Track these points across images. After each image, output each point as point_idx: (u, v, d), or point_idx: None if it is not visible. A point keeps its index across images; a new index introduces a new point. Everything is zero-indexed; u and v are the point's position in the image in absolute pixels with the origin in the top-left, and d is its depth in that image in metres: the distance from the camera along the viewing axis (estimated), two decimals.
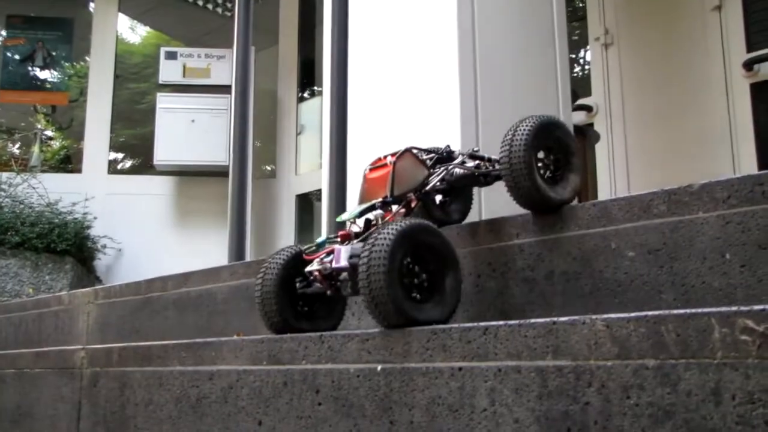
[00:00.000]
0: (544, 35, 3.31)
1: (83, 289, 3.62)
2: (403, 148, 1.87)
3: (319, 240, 1.83)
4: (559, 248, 1.87)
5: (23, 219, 5.96)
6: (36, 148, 7.81)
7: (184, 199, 7.16)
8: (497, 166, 1.92)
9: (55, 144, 8.77)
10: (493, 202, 2.82)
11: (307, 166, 7.27)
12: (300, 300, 1.87)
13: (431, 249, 1.60)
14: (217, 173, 6.87)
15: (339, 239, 1.76)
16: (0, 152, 7.94)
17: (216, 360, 1.95)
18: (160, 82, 7.28)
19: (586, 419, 1.24)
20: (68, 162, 8.29)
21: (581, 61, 5.93)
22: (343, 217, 1.83)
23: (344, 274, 1.67)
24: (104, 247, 6.67)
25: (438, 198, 2.08)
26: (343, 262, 1.65)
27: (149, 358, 2.18)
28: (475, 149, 2.04)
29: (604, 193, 4.61)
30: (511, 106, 2.96)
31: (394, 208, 1.80)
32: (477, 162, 1.98)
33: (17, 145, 8.45)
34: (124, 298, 3.26)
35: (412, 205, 1.83)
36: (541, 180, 1.83)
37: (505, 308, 1.94)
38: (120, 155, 8.45)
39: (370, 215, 1.78)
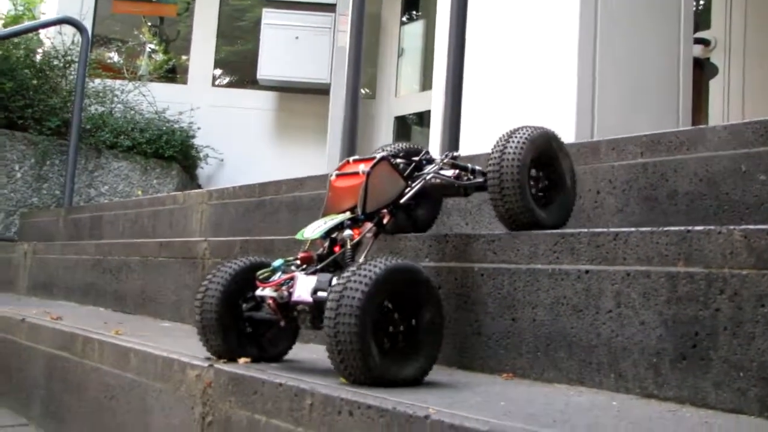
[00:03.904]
0: None
1: (198, 190, 3.80)
2: (378, 155, 1.66)
3: (276, 263, 1.55)
4: (685, 169, 1.87)
5: (134, 125, 6.22)
6: (144, 59, 8.08)
7: (285, 114, 7.32)
8: (479, 178, 1.76)
9: (160, 57, 9.02)
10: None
11: (405, 90, 7.29)
12: (246, 321, 1.61)
13: (411, 297, 1.41)
14: (317, 91, 6.98)
15: (299, 262, 1.53)
16: (111, 62, 8.23)
17: None
18: None
19: (715, 324, 1.28)
20: (173, 73, 8.54)
21: None
22: (306, 234, 1.55)
23: (303, 307, 1.46)
24: (206, 156, 6.92)
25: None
26: (305, 296, 1.45)
27: (272, 251, 2.31)
28: (455, 154, 1.84)
29: None
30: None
31: (365, 225, 1.58)
32: (457, 171, 1.77)
33: (126, 56, 8.71)
34: (238, 200, 3.41)
35: (385, 221, 1.61)
36: (533, 201, 1.67)
37: (624, 226, 1.97)
38: (221, 70, 8.62)
39: (336, 234, 1.56)
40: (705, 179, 1.84)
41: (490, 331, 1.63)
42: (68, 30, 6.00)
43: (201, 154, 6.89)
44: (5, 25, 6.42)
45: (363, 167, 1.61)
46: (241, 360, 1.57)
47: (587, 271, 1.48)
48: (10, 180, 5.56)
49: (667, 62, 3.32)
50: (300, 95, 7.26)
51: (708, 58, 4.51)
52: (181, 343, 1.67)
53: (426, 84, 6.95)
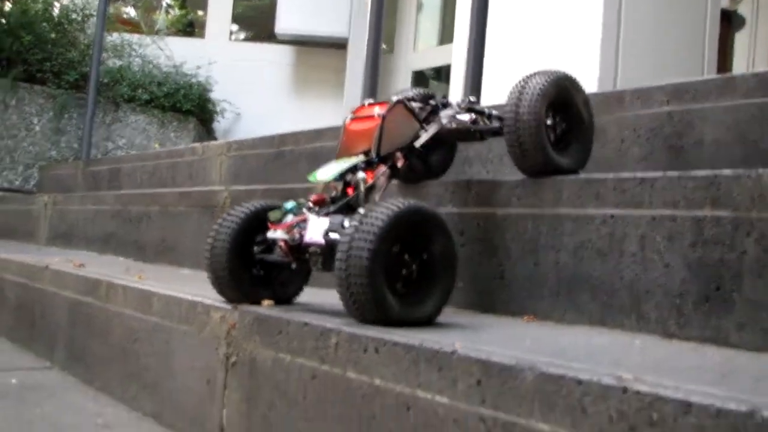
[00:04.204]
0: None
1: (216, 141, 3.80)
2: (394, 98, 1.64)
3: (288, 205, 1.54)
4: (712, 117, 1.85)
5: (151, 79, 6.21)
6: (162, 14, 8.03)
7: (303, 69, 7.28)
8: (495, 123, 1.74)
9: (176, 12, 8.97)
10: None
11: (424, 44, 7.21)
12: (257, 264, 1.60)
13: (425, 239, 1.39)
14: (335, 45, 6.91)
15: (311, 204, 1.52)
16: (128, 17, 8.19)
17: None
18: None
19: (740, 267, 1.28)
20: (191, 28, 8.49)
21: None
22: (319, 177, 1.54)
23: (315, 249, 1.44)
24: (223, 110, 6.90)
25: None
26: (317, 237, 1.43)
27: (294, 198, 2.31)
28: (472, 99, 1.82)
29: None
30: None
31: (379, 168, 1.56)
32: (473, 116, 1.74)
33: (143, 11, 8.67)
34: (257, 151, 3.41)
35: (399, 164, 1.59)
36: (550, 146, 1.64)
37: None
38: (239, 25, 8.56)
39: (349, 176, 1.55)
40: (732, 127, 1.82)
41: (512, 275, 1.63)
42: None
43: (218, 108, 6.87)
44: None
45: (378, 110, 1.59)
46: (265, 302, 1.58)
47: (612, 216, 1.47)
48: (29, 133, 5.58)
49: (694, 13, 3.26)
50: (318, 49, 7.21)
51: (735, 10, 4.43)
52: (202, 288, 1.68)
53: (444, 38, 6.87)
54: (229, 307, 1.58)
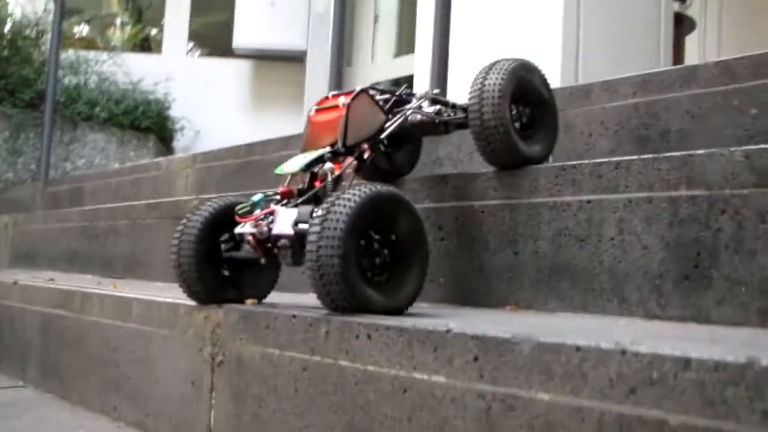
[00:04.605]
0: None
1: (181, 155, 3.77)
2: (358, 88, 1.62)
3: (255, 198, 1.51)
4: (677, 107, 1.90)
5: (109, 96, 6.15)
6: (117, 30, 7.95)
7: (262, 83, 7.27)
8: (459, 114, 1.73)
9: (130, 28, 8.89)
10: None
11: (381, 56, 7.26)
12: (225, 263, 1.57)
13: (398, 226, 1.39)
14: (293, 59, 6.93)
15: (279, 197, 1.50)
16: (81, 37, 8.10)
17: None
18: None
19: (717, 244, 1.32)
20: (147, 43, 8.43)
21: None
22: (285, 168, 1.52)
23: (285, 242, 1.42)
24: (182, 128, 6.86)
25: (381, 146, 1.77)
26: (286, 229, 1.41)
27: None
28: (436, 92, 1.82)
29: None
30: None
31: (346, 159, 1.55)
32: (438, 108, 1.75)
33: (98, 28, 8.58)
34: (223, 162, 3.40)
35: (366, 156, 1.57)
36: (514, 133, 1.63)
37: None
38: (196, 41, 8.52)
39: (316, 168, 1.52)
40: (697, 116, 1.87)
41: (491, 267, 1.66)
42: None
43: (177, 126, 6.83)
44: None
45: (343, 100, 1.57)
46: (248, 302, 1.58)
47: (589, 201, 1.51)
48: None
49: (649, 14, 3.34)
50: (276, 63, 7.22)
51: (686, 13, 4.55)
52: (180, 296, 1.66)
53: (401, 50, 6.93)
54: (213, 307, 1.57)
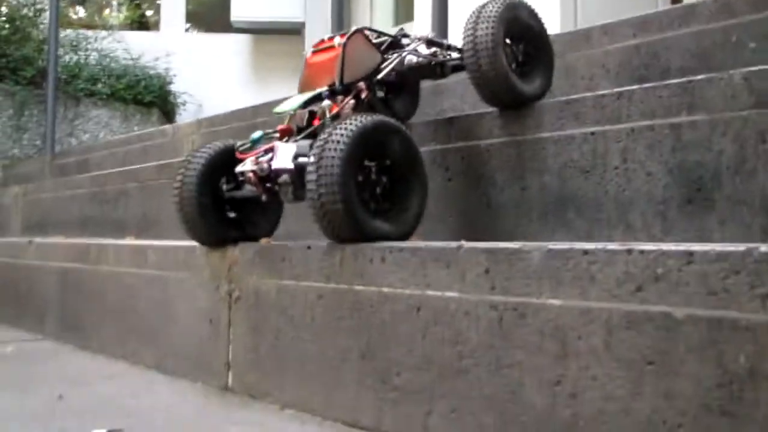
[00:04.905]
0: None
1: (187, 121, 3.80)
2: (353, 28, 1.63)
3: (255, 135, 1.52)
4: (677, 45, 1.93)
5: (110, 71, 6.17)
6: (115, 7, 7.95)
7: (261, 56, 7.28)
8: (455, 55, 1.71)
9: (128, 4, 8.89)
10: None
11: (380, 25, 7.26)
12: (227, 204, 1.59)
13: (394, 153, 1.40)
14: (292, 30, 6.94)
15: (278, 135, 1.51)
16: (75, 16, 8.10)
17: None
18: None
19: (718, 166, 1.35)
20: (145, 24, 8.43)
21: None
22: (283, 107, 1.52)
23: (285, 177, 1.42)
24: (185, 102, 6.89)
25: (380, 94, 1.76)
26: (286, 163, 1.41)
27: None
28: (431, 35, 1.80)
29: None
30: None
31: (344, 98, 1.54)
32: (434, 50, 1.74)
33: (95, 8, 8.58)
34: (230, 125, 3.43)
35: (363, 96, 1.56)
36: (508, 66, 1.59)
37: None
38: (194, 17, 8.52)
39: (315, 107, 1.53)
40: (697, 54, 1.89)
41: (499, 203, 1.69)
42: None
43: (179, 101, 6.86)
44: None
45: (339, 40, 1.58)
46: (263, 240, 1.62)
47: (593, 133, 1.54)
48: None
49: None
50: (274, 36, 7.22)
51: None
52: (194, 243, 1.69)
53: (399, 19, 6.93)
54: (229, 245, 1.61)
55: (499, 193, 1.70)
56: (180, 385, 1.66)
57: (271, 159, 1.45)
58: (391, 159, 1.40)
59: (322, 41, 1.66)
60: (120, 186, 3.14)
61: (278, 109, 1.55)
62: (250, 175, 1.47)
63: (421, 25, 3.88)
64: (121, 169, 3.36)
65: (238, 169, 1.51)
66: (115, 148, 4.28)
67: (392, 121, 1.42)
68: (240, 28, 7.27)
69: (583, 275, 0.98)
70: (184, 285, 1.73)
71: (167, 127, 3.93)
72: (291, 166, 1.41)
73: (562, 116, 1.60)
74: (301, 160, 1.39)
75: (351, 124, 1.32)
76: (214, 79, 7.18)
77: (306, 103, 1.53)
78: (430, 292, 1.17)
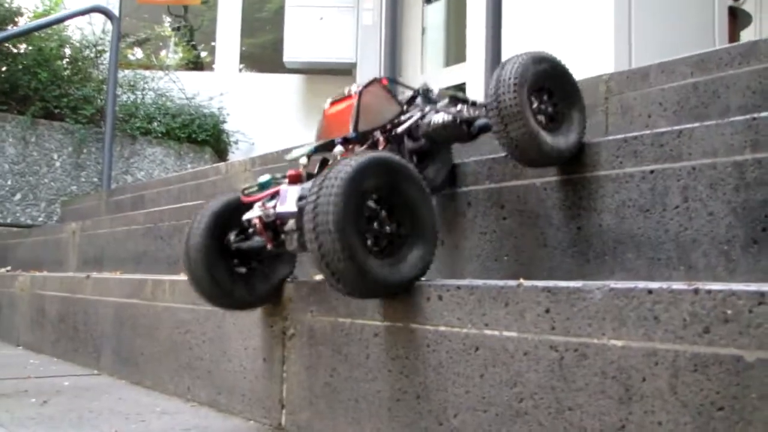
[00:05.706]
0: None
1: (240, 159, 3.86)
2: (371, 77, 1.56)
3: (263, 179, 1.46)
4: (737, 83, 1.89)
5: (166, 110, 6.32)
6: (171, 49, 8.18)
7: (312, 96, 7.38)
8: (482, 112, 1.61)
9: (184, 46, 9.13)
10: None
11: (431, 66, 7.32)
12: (236, 258, 1.53)
13: (394, 189, 1.29)
14: (343, 71, 7.03)
15: (287, 180, 1.44)
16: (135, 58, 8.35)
17: None
18: None
19: None
20: (199, 61, 8.64)
21: None
22: (294, 153, 1.49)
23: (290, 224, 1.35)
24: (237, 141, 7.01)
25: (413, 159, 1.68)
26: (290, 206, 1.34)
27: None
28: (458, 92, 1.66)
29: None
30: None
31: (357, 146, 1.47)
32: (460, 107, 1.63)
33: (152, 50, 8.84)
34: (281, 163, 3.47)
35: (380, 147, 1.49)
36: (536, 125, 1.50)
37: None
38: (247, 58, 8.71)
39: (328, 154, 1.48)
40: (758, 91, 1.86)
41: (555, 242, 1.67)
42: (97, 20, 6.10)
43: (231, 139, 6.98)
44: (35, 19, 6.53)
45: (355, 88, 1.52)
46: (317, 277, 1.62)
47: (652, 171, 1.51)
48: (50, 169, 5.67)
49: (702, 9, 3.33)
50: (326, 76, 7.32)
51: (742, 7, 4.50)
52: None
53: (450, 60, 6.98)
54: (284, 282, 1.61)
55: (556, 231, 1.68)
56: (233, 422, 1.66)
57: (277, 203, 1.39)
58: (394, 197, 1.31)
59: (342, 95, 1.60)
60: (174, 222, 3.18)
61: (290, 155, 1.51)
62: (256, 221, 1.42)
63: (473, 66, 3.90)
64: (175, 206, 3.41)
65: (245, 216, 1.46)
66: (170, 186, 4.35)
67: (394, 157, 1.32)
68: (293, 69, 7.39)
69: (647, 315, 0.96)
70: (239, 322, 1.74)
71: (221, 164, 3.99)
72: (295, 209, 1.34)
73: (619, 154, 1.58)
74: (305, 202, 1.31)
75: (351, 161, 1.24)
76: (266, 118, 7.30)
77: (318, 149, 1.48)
78: (488, 332, 1.15)
